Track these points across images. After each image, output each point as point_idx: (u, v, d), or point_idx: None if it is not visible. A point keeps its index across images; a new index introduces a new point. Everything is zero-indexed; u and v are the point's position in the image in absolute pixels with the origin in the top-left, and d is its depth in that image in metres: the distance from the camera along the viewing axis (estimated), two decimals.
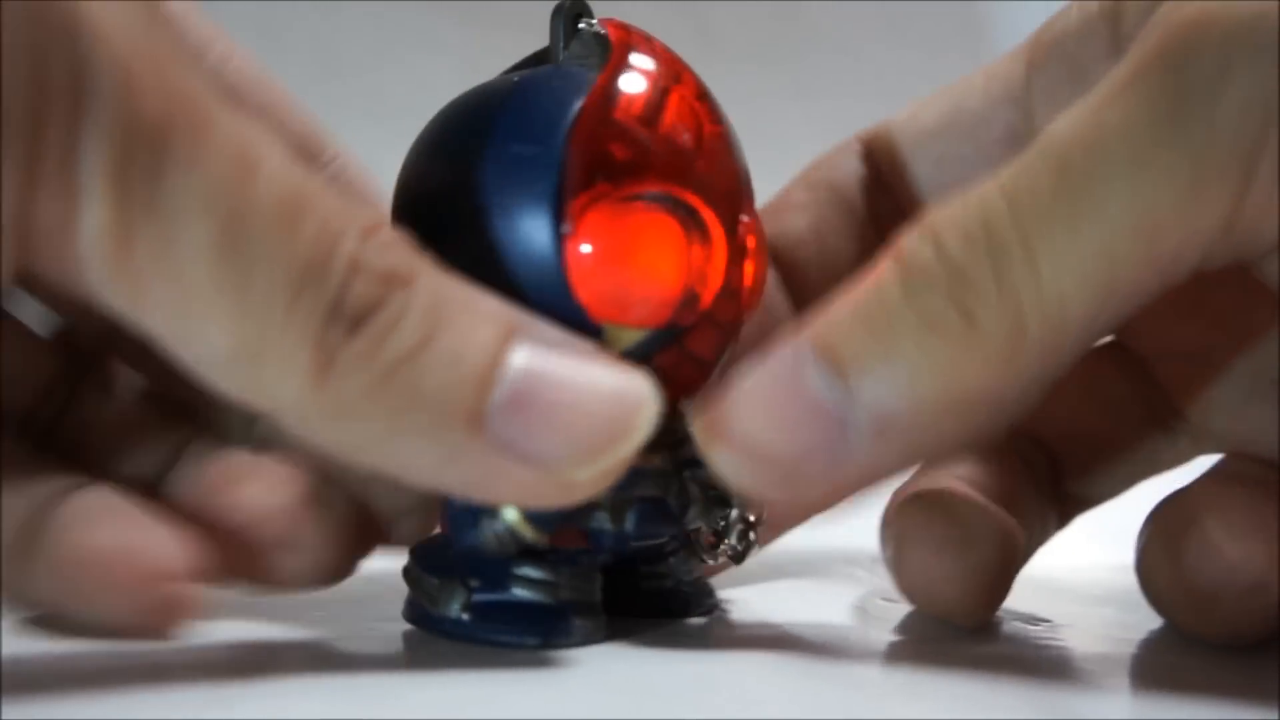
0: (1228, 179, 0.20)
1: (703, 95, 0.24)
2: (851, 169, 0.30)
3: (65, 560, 0.22)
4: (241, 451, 0.26)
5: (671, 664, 0.23)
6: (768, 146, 0.28)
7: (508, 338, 0.20)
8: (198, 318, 0.19)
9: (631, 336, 0.23)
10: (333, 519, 0.24)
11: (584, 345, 0.21)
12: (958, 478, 0.28)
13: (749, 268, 0.24)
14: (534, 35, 0.25)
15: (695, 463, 0.23)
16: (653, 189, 0.22)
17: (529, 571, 0.23)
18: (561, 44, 0.24)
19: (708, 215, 0.23)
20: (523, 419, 0.20)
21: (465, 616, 0.24)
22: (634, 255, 0.22)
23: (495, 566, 0.23)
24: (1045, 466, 0.30)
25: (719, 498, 0.24)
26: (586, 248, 0.22)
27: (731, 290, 0.23)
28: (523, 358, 0.20)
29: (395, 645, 0.24)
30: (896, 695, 0.21)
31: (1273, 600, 0.24)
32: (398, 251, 0.20)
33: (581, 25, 0.24)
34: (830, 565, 0.33)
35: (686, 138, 0.23)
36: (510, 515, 0.22)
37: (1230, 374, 0.28)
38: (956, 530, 0.25)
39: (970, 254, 0.21)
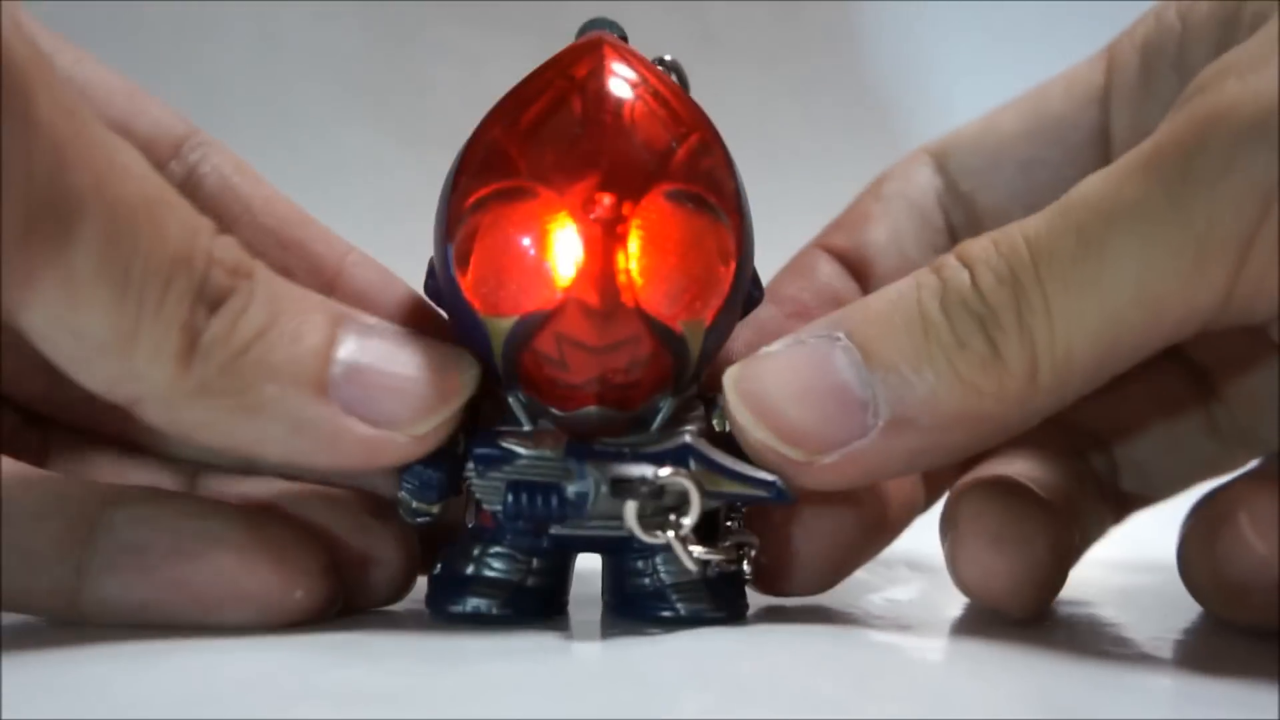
0: (1225, 260, 0.22)
1: (623, 86, 0.24)
2: (925, 180, 0.31)
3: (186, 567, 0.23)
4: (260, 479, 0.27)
5: (659, 657, 0.23)
6: (768, 148, 0.28)
7: (337, 323, 0.23)
8: (82, 309, 0.21)
9: (504, 325, 0.24)
10: (403, 533, 0.26)
11: (398, 328, 0.25)
12: (1016, 473, 0.28)
13: (624, 251, 0.24)
14: (533, 36, 0.25)
15: (609, 453, 0.24)
16: (503, 184, 0.24)
17: (463, 546, 0.26)
18: None
19: (553, 202, 0.24)
20: (361, 385, 0.23)
21: (429, 582, 0.26)
22: (485, 250, 0.24)
23: (457, 542, 0.26)
24: (1103, 464, 0.31)
25: (625, 489, 0.24)
26: (458, 248, 0.24)
27: (603, 274, 0.24)
28: (352, 338, 0.23)
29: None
30: (891, 694, 0.21)
31: None
32: (238, 249, 0.23)
33: None
34: None
35: (554, 131, 0.24)
36: (401, 490, 0.25)
37: None
38: (1013, 526, 0.26)
39: (999, 293, 0.23)
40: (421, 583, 0.27)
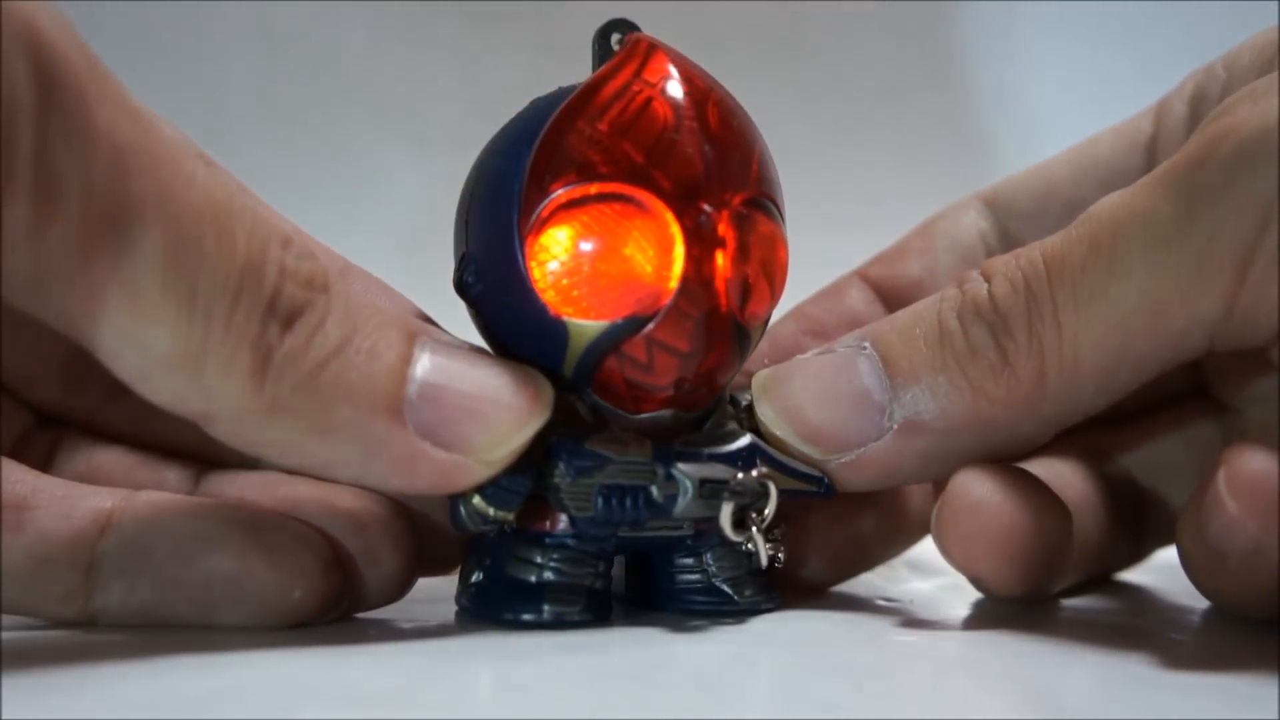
0: (1226, 270, 0.23)
1: (698, 92, 0.24)
2: (970, 221, 0.33)
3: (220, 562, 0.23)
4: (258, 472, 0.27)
5: (662, 654, 0.23)
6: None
7: (413, 339, 0.23)
8: (147, 322, 0.20)
9: (593, 329, 0.24)
10: (402, 534, 0.26)
11: (475, 347, 0.24)
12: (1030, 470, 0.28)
13: (722, 258, 0.24)
14: (533, 36, 0.25)
15: (689, 455, 0.25)
16: (602, 187, 0.23)
17: (520, 552, 0.25)
18: (599, 62, 0.25)
19: (657, 209, 0.24)
20: (436, 409, 0.22)
21: (471, 592, 0.26)
22: (580, 253, 0.24)
23: (501, 548, 0.25)
24: (1130, 500, 0.31)
25: (715, 489, 0.25)
26: (540, 249, 0.24)
27: (702, 280, 0.24)
28: (427, 357, 0.23)
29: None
30: (891, 694, 0.21)
31: (1274, 566, 0.23)
32: (313, 260, 0.22)
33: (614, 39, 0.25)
34: None
35: (647, 136, 0.24)
36: (475, 498, 0.24)
37: None
38: (1000, 495, 0.26)
39: (1013, 302, 0.24)
40: (421, 584, 0.27)
